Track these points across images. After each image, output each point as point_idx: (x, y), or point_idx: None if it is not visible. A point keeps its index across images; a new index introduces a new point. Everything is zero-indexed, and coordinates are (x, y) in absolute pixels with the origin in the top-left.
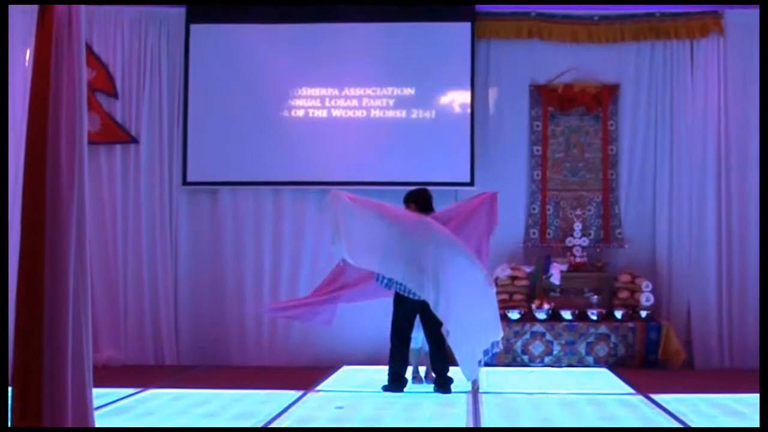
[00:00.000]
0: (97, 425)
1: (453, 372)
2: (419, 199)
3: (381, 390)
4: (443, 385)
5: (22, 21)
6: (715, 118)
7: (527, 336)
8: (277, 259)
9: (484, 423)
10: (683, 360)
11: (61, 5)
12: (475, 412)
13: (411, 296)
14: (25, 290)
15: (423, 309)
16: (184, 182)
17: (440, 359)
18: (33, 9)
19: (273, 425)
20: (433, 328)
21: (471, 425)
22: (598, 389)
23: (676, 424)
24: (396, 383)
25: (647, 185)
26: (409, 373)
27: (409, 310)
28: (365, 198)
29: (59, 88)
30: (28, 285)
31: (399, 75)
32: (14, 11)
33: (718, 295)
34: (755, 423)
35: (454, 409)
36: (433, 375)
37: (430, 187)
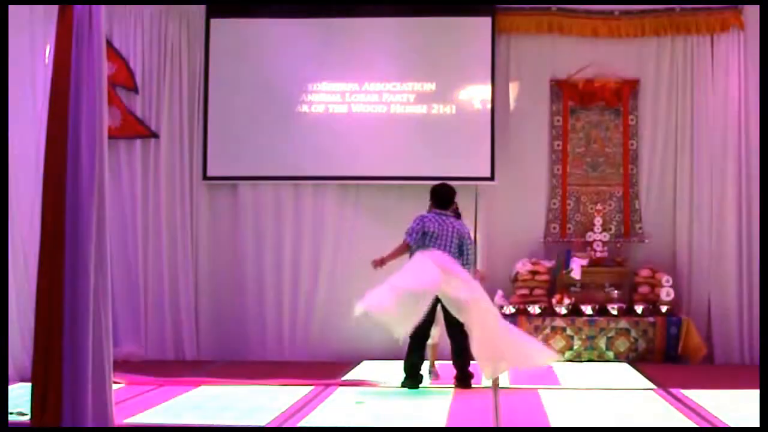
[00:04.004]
0: (116, 422)
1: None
2: (435, 195)
3: (399, 385)
4: (463, 380)
5: (43, 18)
6: (735, 113)
7: (548, 331)
8: (297, 254)
9: (504, 418)
10: (703, 355)
11: (81, 5)
12: (495, 408)
13: None
14: (46, 286)
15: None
16: (205, 177)
17: (461, 355)
18: (54, 6)
19: (292, 420)
20: (455, 325)
21: (491, 421)
22: (618, 384)
23: (696, 420)
24: (413, 378)
25: (667, 180)
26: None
27: (430, 307)
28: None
29: (80, 85)
30: (49, 281)
31: (419, 70)
32: (35, 9)
33: (738, 289)
34: None
35: (474, 404)
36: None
37: (450, 182)
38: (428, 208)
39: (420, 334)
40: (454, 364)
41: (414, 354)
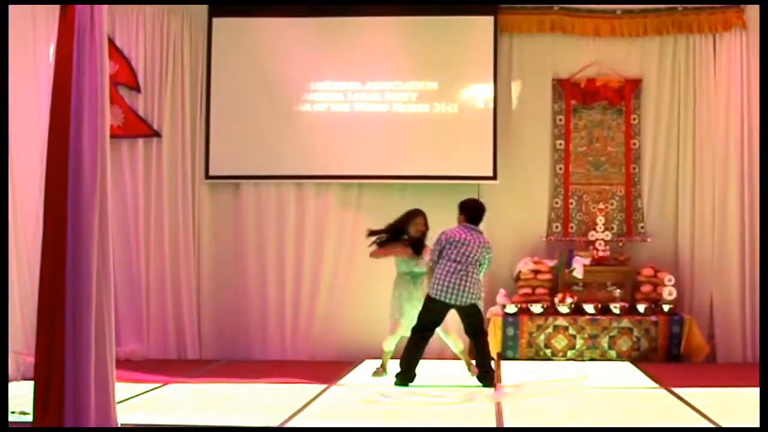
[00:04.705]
0: (119, 420)
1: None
2: (468, 211)
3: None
4: (486, 377)
5: (45, 17)
6: (738, 112)
7: (550, 330)
8: (300, 253)
9: (506, 417)
10: (706, 354)
11: (83, 5)
12: (498, 406)
13: (446, 300)
14: (48, 285)
15: (458, 310)
16: (207, 176)
17: (482, 353)
18: (57, 5)
19: (293, 420)
20: (474, 323)
21: (494, 419)
22: (620, 383)
23: (699, 419)
24: (408, 377)
25: (670, 179)
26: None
27: (439, 312)
28: None
29: (81, 85)
30: (51, 280)
31: (422, 69)
32: (37, 8)
33: (740, 288)
34: None
35: (477, 402)
36: (476, 368)
37: (452, 181)
38: (458, 221)
39: (423, 335)
40: (476, 362)
41: (414, 353)
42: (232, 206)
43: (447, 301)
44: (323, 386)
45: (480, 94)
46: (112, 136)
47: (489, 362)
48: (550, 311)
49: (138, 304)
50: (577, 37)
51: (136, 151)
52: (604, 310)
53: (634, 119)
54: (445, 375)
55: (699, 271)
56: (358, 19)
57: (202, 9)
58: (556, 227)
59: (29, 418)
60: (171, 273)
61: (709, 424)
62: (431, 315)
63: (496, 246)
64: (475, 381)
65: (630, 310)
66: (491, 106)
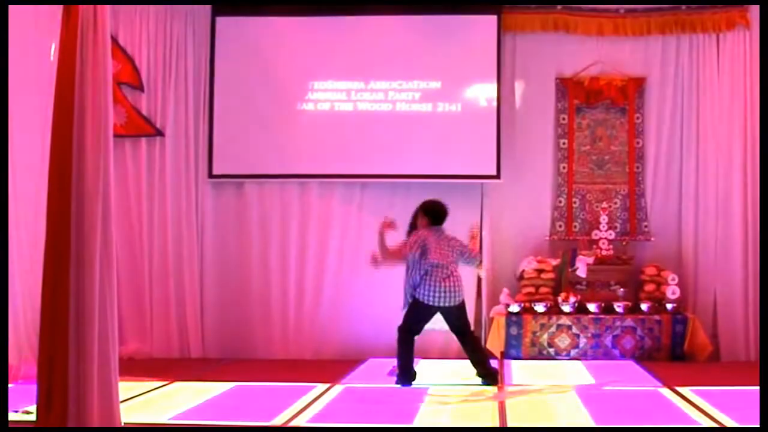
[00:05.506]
0: (122, 420)
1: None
2: (431, 213)
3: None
4: (488, 376)
5: (48, 16)
6: (741, 111)
7: (553, 329)
8: (303, 252)
9: (510, 416)
10: (709, 353)
11: (86, 5)
12: (501, 405)
13: (440, 304)
14: (51, 285)
15: (447, 312)
16: (210, 175)
17: (477, 351)
18: (59, 5)
19: (296, 419)
20: (463, 321)
21: (497, 419)
22: (623, 382)
23: (701, 418)
24: (408, 376)
25: (673, 178)
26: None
27: (429, 316)
28: None
29: (85, 84)
30: (54, 279)
31: (425, 68)
32: (39, 7)
33: (744, 287)
34: None
35: (480, 401)
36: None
37: (455, 180)
38: (421, 225)
39: (411, 334)
40: (473, 362)
41: (407, 352)
42: (236, 205)
43: (441, 305)
44: (326, 385)
45: (483, 93)
46: (115, 136)
47: (487, 360)
48: (554, 310)
49: (141, 303)
50: (580, 36)
51: (140, 151)
52: (608, 309)
53: (638, 118)
54: (448, 374)
55: (702, 269)
56: (361, 18)
57: (206, 8)
58: (560, 226)
59: (32, 417)
60: (174, 272)
61: (712, 424)
62: (419, 318)
63: (499, 245)
64: (477, 380)
65: (633, 309)
66: (494, 105)
